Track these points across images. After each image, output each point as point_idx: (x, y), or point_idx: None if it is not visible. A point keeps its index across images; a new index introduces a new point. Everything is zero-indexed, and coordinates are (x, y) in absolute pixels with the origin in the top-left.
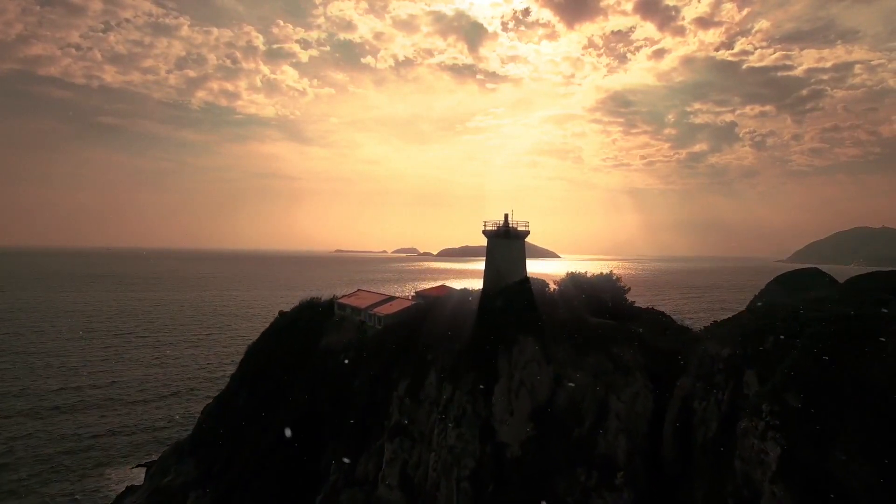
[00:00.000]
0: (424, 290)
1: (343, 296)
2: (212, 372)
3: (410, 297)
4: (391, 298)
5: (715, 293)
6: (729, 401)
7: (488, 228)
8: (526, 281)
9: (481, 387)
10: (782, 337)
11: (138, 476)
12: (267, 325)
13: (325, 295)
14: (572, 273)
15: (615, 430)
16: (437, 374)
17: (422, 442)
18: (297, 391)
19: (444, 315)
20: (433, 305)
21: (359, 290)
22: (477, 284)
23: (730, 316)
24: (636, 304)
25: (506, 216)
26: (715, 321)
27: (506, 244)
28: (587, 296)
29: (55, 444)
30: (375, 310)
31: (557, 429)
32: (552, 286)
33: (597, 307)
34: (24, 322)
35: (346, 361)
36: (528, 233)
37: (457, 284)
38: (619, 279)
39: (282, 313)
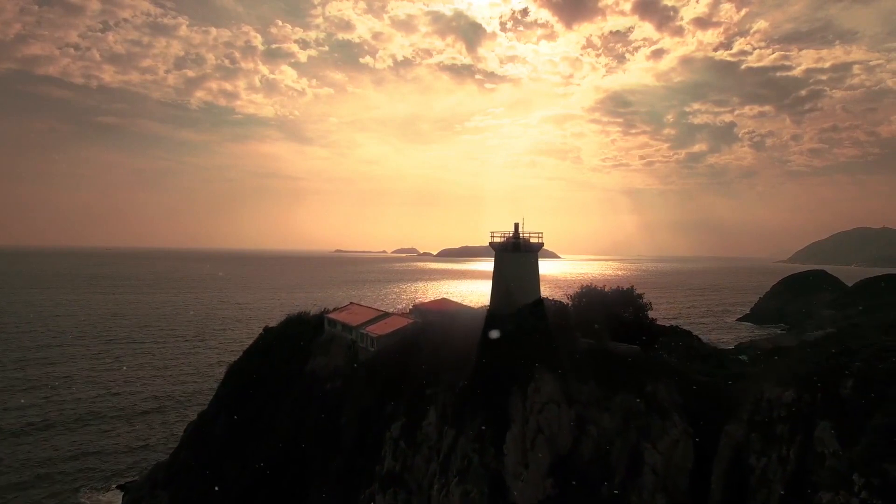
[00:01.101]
0: (423, 304)
1: (334, 310)
2: (202, 382)
3: (408, 311)
4: (385, 315)
5: (718, 295)
6: (796, 459)
7: (496, 240)
8: (540, 303)
9: (490, 432)
10: (867, 380)
11: (115, 500)
12: (260, 332)
13: (318, 304)
14: (588, 287)
15: (651, 488)
16: (438, 414)
17: (419, 495)
18: (278, 422)
19: (446, 339)
20: (433, 326)
21: (351, 303)
22: (477, 287)
23: (737, 319)
24: (657, 321)
25: (516, 226)
26: (760, 349)
27: (516, 259)
28: (605, 313)
29: (33, 463)
30: (368, 328)
31: (582, 485)
32: (566, 300)
33: (616, 326)
34: (13, 326)
35: (333, 390)
36: (541, 245)
37: (457, 285)
38: (640, 295)
39: (267, 329)
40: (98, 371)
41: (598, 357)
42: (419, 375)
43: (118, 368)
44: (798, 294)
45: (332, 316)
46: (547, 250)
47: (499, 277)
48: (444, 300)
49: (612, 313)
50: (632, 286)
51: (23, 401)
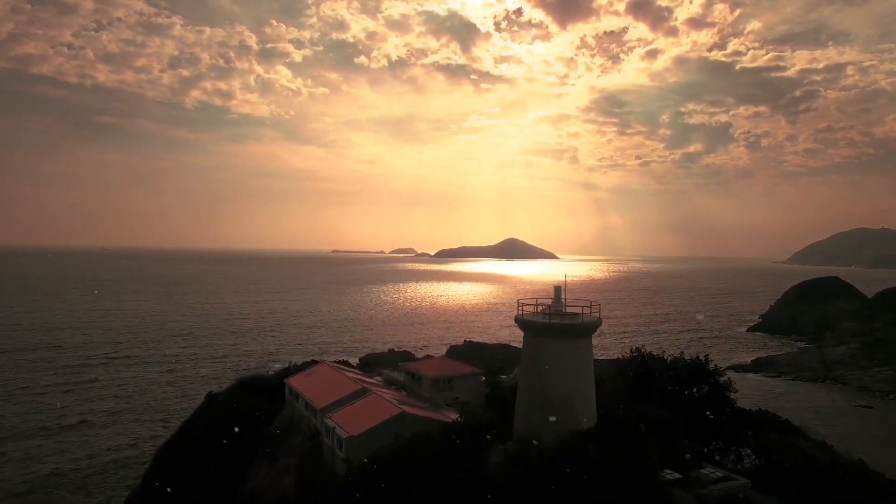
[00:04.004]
0: (416, 366)
1: (299, 371)
2: (168, 423)
3: (395, 372)
4: (363, 392)
5: (723, 299)
6: None
7: (525, 316)
8: (607, 430)
9: None
10: None
11: None
12: (253, 341)
13: (308, 311)
14: (640, 351)
15: None
16: None
17: None
18: None
19: (448, 459)
20: (428, 437)
21: (322, 363)
22: (474, 289)
23: (747, 329)
24: (735, 401)
25: (557, 291)
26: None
27: (559, 348)
28: (669, 392)
29: None
30: (336, 417)
31: None
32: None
33: (683, 406)
34: None
35: None
36: (599, 323)
37: (455, 287)
38: (718, 370)
39: (210, 398)
40: (58, 409)
41: None
42: None
43: (78, 404)
44: (812, 302)
45: (294, 383)
46: (545, 251)
47: (530, 379)
48: (442, 361)
49: (677, 392)
50: (706, 356)
51: None
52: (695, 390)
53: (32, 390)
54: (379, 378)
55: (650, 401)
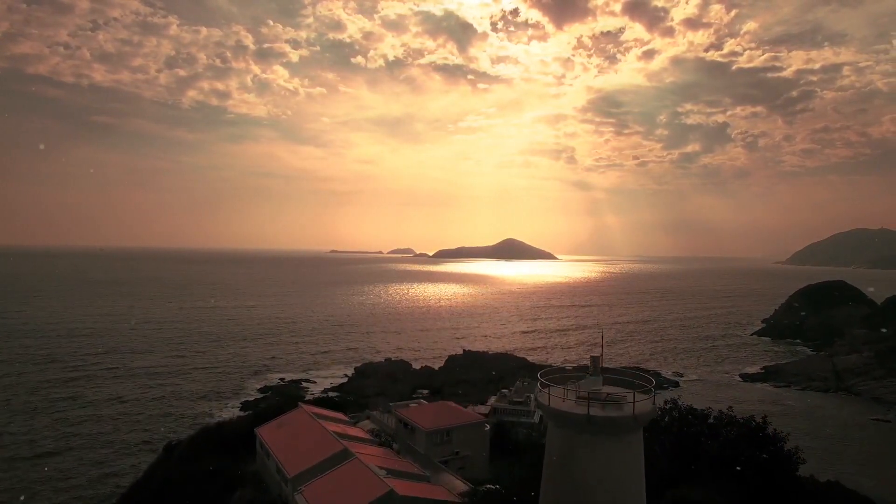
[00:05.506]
0: (407, 412)
1: (273, 419)
2: (157, 438)
3: (382, 414)
4: (344, 455)
5: (726, 302)
6: None
7: (552, 404)
8: None
9: None
10: None
11: None
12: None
13: (304, 317)
14: (682, 408)
15: None
16: None
17: None
18: None
19: None
20: None
21: (301, 408)
22: (472, 291)
23: (752, 333)
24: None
25: (594, 362)
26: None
27: (601, 447)
28: (714, 461)
29: None
30: (308, 493)
31: None
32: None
33: (738, 488)
34: None
35: None
36: (655, 412)
37: (453, 288)
38: (780, 435)
39: (169, 450)
40: (34, 432)
41: None
42: None
43: (60, 420)
44: (818, 307)
45: (265, 436)
46: (544, 251)
47: (560, 485)
48: (440, 407)
49: (727, 460)
50: (763, 417)
51: None
52: (746, 456)
53: (10, 407)
54: (367, 422)
55: (695, 472)
